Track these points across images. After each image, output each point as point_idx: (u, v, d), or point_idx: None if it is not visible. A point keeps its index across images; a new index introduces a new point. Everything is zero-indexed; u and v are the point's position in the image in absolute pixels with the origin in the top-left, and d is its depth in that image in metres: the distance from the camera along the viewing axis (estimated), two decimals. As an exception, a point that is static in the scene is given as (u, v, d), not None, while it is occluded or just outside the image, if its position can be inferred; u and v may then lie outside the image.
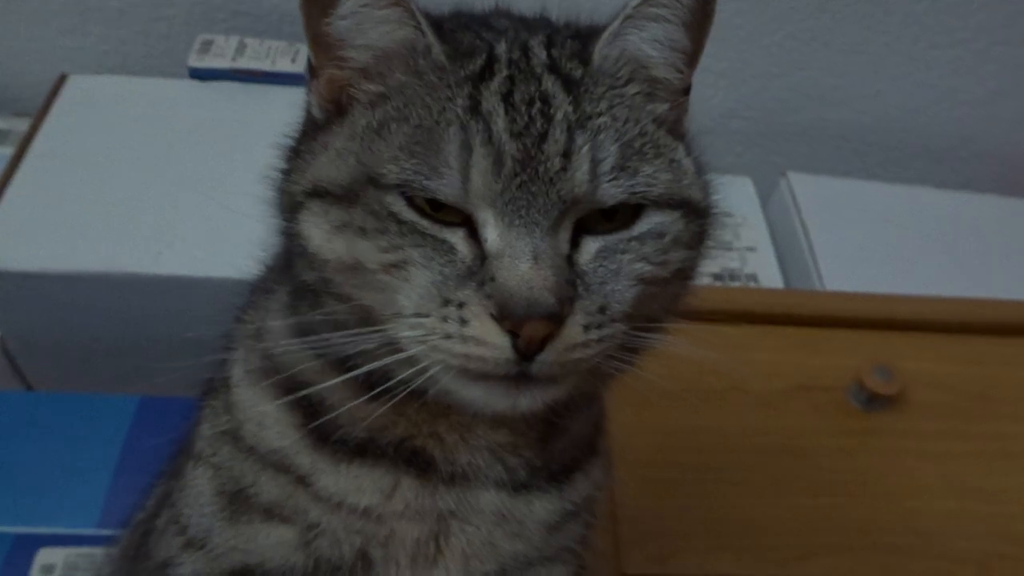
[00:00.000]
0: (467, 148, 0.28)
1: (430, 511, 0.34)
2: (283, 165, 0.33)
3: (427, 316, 0.28)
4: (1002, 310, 0.69)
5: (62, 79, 0.70)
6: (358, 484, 0.33)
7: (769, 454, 0.59)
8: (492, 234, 0.28)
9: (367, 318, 0.30)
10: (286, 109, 0.34)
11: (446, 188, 0.28)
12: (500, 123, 0.29)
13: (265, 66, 0.74)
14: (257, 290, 0.38)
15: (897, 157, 1.03)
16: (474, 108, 0.29)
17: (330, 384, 0.32)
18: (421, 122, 0.29)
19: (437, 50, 0.30)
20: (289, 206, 0.31)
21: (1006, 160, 1.04)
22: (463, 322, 0.27)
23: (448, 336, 0.28)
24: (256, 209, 0.35)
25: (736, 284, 0.77)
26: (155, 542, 0.38)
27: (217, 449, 0.35)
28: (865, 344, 0.66)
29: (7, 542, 0.56)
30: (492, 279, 0.28)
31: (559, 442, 0.35)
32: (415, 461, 0.33)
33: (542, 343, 0.27)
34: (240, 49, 0.75)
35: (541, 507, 0.35)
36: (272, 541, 0.34)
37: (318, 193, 0.30)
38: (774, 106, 0.98)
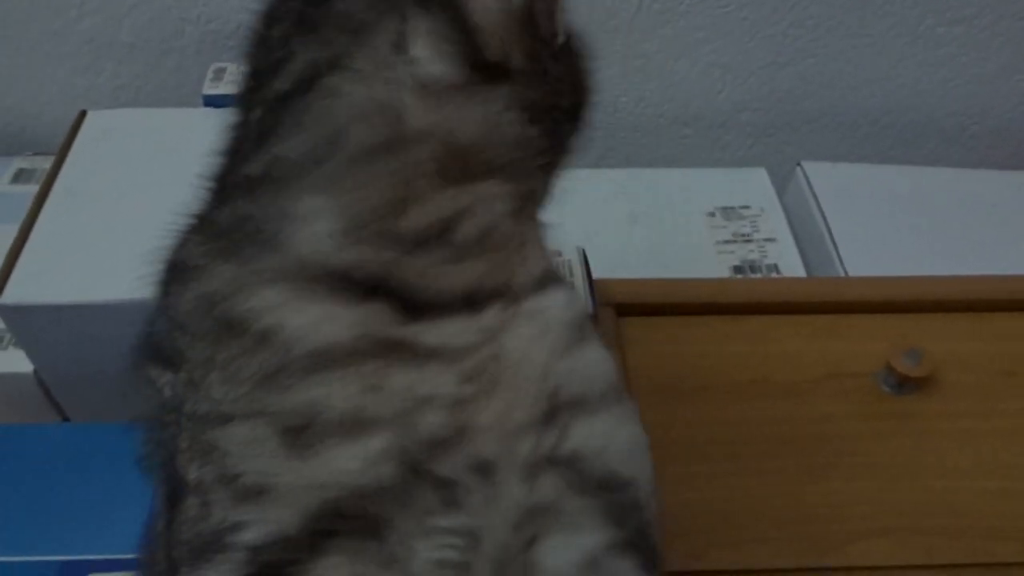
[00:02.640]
0: None
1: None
2: None
3: None
4: (1022, 285, 0.69)
5: (82, 115, 0.71)
6: (461, 327, 0.31)
7: (800, 443, 0.59)
8: None
9: None
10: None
11: None
12: None
13: (277, 89, 0.75)
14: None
15: (909, 138, 1.03)
16: None
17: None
18: None
19: None
20: None
21: (1018, 135, 1.03)
22: None
23: None
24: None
25: (757, 275, 0.77)
26: (193, 523, 0.30)
27: (262, 395, 0.29)
28: (892, 328, 0.66)
29: (54, 570, 0.57)
30: None
31: None
32: None
33: None
34: (252, 74, 0.76)
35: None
36: (357, 462, 0.28)
37: None
38: (783, 96, 0.98)
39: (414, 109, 0.30)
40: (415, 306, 0.30)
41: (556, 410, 0.30)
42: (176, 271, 0.34)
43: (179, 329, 0.32)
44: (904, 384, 0.62)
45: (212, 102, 0.75)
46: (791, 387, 0.62)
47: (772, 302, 0.67)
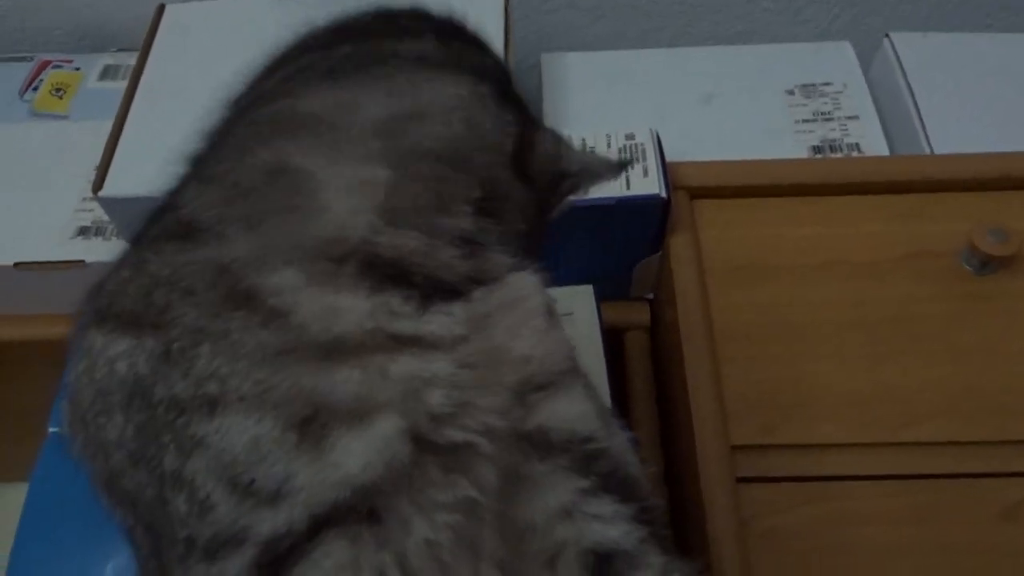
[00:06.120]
0: None
1: None
2: None
3: None
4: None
5: (160, 10, 0.73)
6: (458, 315, 0.33)
7: (877, 324, 0.59)
8: None
9: None
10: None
11: None
12: None
13: (347, -23, 0.74)
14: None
15: (1013, 2, 0.95)
16: None
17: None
18: None
19: None
20: None
21: None
22: None
23: None
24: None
25: (838, 155, 0.75)
26: (185, 521, 0.28)
27: (263, 376, 0.28)
28: (977, 206, 0.64)
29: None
30: None
31: None
32: None
33: None
34: (322, -38, 0.76)
35: None
36: (368, 455, 0.28)
37: None
38: (873, -40, 0.92)
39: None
40: (427, 295, 0.31)
41: (526, 392, 0.33)
42: (177, 226, 0.32)
43: (167, 287, 0.29)
44: (988, 263, 0.60)
45: (284, -9, 0.75)
46: (870, 268, 0.62)
47: (851, 182, 0.65)
